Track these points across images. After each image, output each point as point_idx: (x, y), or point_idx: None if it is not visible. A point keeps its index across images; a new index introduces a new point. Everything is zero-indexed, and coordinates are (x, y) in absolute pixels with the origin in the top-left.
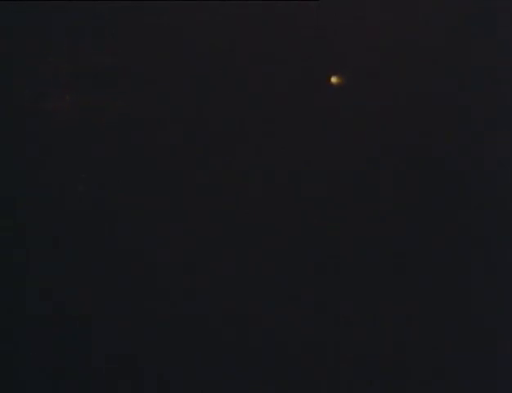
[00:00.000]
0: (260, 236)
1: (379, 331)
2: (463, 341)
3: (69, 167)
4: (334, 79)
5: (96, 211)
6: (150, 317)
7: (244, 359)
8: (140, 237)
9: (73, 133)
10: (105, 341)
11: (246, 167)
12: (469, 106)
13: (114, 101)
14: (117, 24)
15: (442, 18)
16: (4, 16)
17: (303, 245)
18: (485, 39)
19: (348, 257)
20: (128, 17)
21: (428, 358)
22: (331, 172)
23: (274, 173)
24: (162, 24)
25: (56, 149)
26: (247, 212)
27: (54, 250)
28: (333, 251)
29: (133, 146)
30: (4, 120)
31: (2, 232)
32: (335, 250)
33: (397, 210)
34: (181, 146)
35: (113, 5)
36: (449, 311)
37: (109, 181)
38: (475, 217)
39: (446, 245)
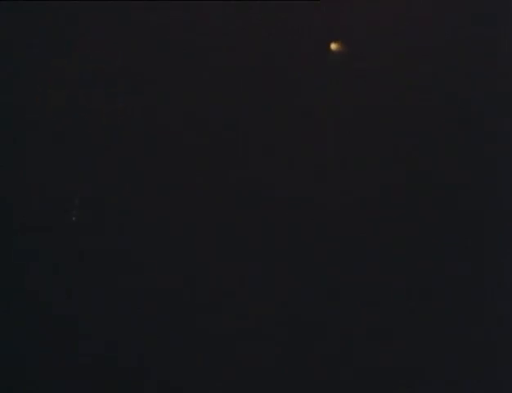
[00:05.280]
0: (261, 239)
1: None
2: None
3: (68, 167)
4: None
5: (95, 211)
6: (150, 318)
7: (244, 360)
8: (139, 237)
9: (72, 133)
10: (104, 342)
11: (246, 169)
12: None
13: (113, 102)
14: (117, 24)
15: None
16: (4, 16)
17: (303, 249)
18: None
19: (347, 264)
20: (128, 17)
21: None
22: (329, 176)
23: (273, 174)
24: (163, 23)
25: (56, 149)
26: (248, 218)
27: (53, 249)
28: (332, 258)
29: (133, 146)
30: (4, 120)
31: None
32: (334, 257)
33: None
34: (181, 147)
35: (113, 5)
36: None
37: (108, 181)
38: (475, 226)
39: (445, 255)
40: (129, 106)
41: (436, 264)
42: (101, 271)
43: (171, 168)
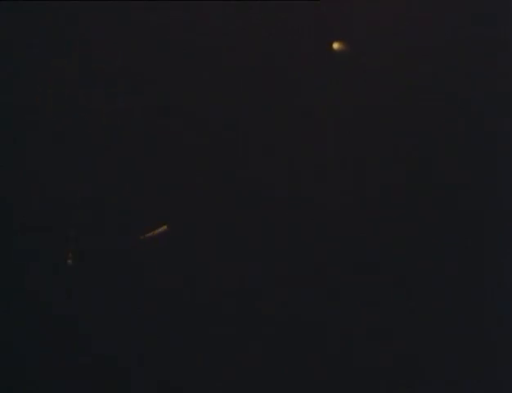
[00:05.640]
0: (261, 239)
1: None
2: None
3: (68, 167)
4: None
5: (95, 211)
6: (150, 319)
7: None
8: (139, 237)
9: (72, 133)
10: (103, 342)
11: (246, 169)
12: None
13: (113, 102)
14: (117, 24)
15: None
16: (4, 16)
17: (303, 249)
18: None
19: (347, 265)
20: (128, 17)
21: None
22: (329, 175)
23: (273, 174)
24: (163, 23)
25: (56, 149)
26: (248, 218)
27: (53, 249)
28: (332, 258)
29: (133, 146)
30: (4, 120)
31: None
32: (334, 257)
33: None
34: (181, 147)
35: (113, 5)
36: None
37: (108, 181)
38: (475, 226)
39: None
40: (129, 106)
41: (436, 264)
42: (101, 271)
43: (171, 168)
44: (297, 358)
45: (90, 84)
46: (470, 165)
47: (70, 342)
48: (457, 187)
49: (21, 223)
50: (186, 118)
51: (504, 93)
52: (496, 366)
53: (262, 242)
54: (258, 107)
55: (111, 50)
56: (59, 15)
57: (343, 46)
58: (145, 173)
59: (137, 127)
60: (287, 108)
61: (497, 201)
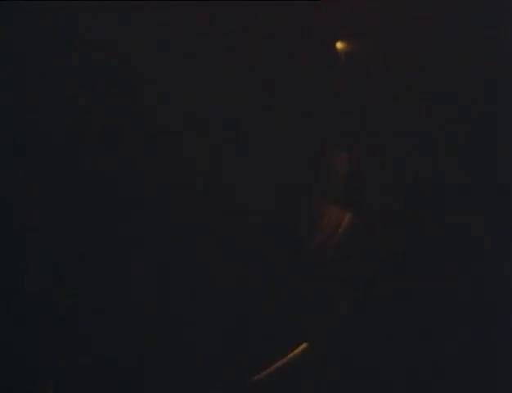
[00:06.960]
0: (261, 239)
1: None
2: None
3: (68, 167)
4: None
5: (95, 211)
6: (148, 318)
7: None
8: (139, 237)
9: (72, 133)
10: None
11: (246, 169)
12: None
13: (113, 102)
14: (117, 24)
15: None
16: (4, 16)
17: (303, 249)
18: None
19: (347, 264)
20: (128, 17)
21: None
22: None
23: (273, 174)
24: (163, 23)
25: (56, 149)
26: (248, 218)
27: (53, 249)
28: (331, 258)
29: (133, 146)
30: (4, 120)
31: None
32: (334, 258)
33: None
34: (182, 147)
35: (113, 5)
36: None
37: (108, 181)
38: (475, 226)
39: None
40: (129, 106)
41: (436, 265)
42: (101, 271)
43: (171, 168)
44: (296, 358)
45: (90, 84)
46: (470, 165)
47: (70, 342)
48: (457, 187)
49: (21, 223)
50: (186, 118)
51: (504, 93)
52: (496, 366)
53: (262, 242)
54: (258, 107)
55: (111, 50)
56: (59, 15)
57: (344, 46)
58: (145, 173)
59: (137, 127)
60: (287, 108)
61: (497, 201)
